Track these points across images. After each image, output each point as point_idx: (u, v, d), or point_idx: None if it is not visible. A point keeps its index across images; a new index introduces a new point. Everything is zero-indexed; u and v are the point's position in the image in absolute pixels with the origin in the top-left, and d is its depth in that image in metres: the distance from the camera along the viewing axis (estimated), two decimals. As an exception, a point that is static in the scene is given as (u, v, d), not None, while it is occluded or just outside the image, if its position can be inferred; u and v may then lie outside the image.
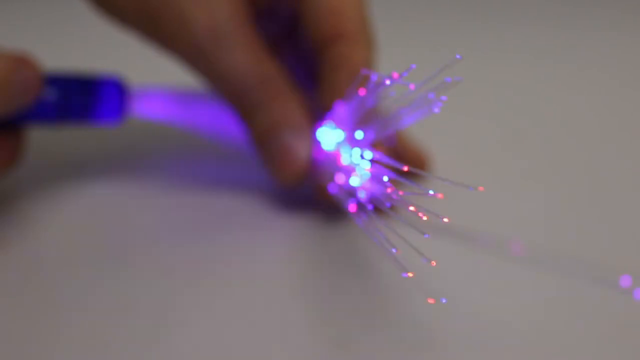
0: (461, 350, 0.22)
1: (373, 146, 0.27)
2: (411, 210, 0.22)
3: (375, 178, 0.25)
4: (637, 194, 0.34)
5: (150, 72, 0.46)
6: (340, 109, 0.28)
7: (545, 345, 0.23)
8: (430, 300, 0.20)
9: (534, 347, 0.23)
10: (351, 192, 0.27)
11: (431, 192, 0.21)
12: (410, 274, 0.21)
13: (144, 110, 0.36)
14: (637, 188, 0.34)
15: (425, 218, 0.21)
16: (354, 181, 0.26)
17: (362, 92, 0.25)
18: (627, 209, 0.32)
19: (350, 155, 0.27)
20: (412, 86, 0.23)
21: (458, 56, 0.22)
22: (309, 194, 0.32)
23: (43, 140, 0.36)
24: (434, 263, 0.21)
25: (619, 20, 0.76)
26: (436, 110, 0.22)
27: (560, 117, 0.45)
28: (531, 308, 0.25)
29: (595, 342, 0.23)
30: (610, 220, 0.31)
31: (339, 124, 0.28)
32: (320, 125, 0.30)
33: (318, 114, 0.30)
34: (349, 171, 0.27)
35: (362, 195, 0.26)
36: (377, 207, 0.25)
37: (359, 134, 0.27)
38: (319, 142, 0.30)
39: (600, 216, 0.31)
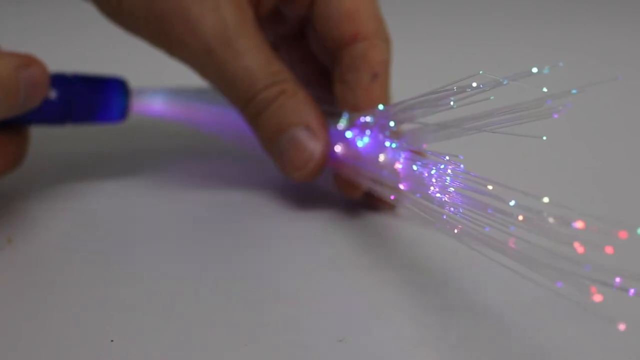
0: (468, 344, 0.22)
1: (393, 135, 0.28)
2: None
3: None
4: None
5: (152, 72, 0.46)
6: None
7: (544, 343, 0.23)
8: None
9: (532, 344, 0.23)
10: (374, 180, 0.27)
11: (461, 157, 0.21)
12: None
13: (146, 109, 0.36)
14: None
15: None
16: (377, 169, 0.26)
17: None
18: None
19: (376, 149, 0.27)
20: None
21: (620, 77, 0.21)
22: (317, 189, 0.32)
23: (43, 140, 0.36)
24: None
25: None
26: (556, 116, 0.21)
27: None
28: (529, 305, 0.25)
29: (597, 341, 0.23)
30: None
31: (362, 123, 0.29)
32: (334, 122, 0.31)
33: (329, 111, 0.31)
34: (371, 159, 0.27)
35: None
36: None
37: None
38: (337, 137, 0.30)
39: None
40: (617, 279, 0.18)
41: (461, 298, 0.25)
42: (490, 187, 0.21)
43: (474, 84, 0.22)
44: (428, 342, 0.23)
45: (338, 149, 0.30)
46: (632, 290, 0.18)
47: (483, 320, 0.24)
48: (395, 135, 0.28)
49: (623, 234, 0.17)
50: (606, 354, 0.22)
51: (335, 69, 0.32)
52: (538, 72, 0.21)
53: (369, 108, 0.29)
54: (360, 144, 0.29)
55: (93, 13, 0.33)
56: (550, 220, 0.19)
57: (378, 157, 0.28)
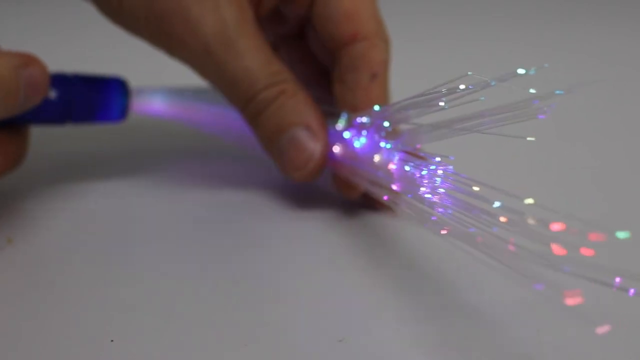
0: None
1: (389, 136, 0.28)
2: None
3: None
4: None
5: (152, 72, 0.46)
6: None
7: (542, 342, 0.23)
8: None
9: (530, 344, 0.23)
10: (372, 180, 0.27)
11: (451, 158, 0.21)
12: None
13: (146, 109, 0.36)
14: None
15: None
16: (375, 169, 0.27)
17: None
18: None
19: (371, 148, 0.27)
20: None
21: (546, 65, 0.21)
22: (317, 189, 0.32)
23: (43, 140, 0.36)
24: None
25: None
26: (541, 116, 0.21)
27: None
28: (529, 305, 0.25)
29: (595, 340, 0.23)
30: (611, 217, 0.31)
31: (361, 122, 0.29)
32: (333, 122, 0.31)
33: (328, 111, 0.31)
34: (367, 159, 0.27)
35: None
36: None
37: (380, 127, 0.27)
38: (335, 137, 0.30)
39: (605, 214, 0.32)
40: (617, 279, 0.18)
41: (461, 298, 0.25)
42: (476, 189, 0.21)
43: (462, 86, 0.22)
44: (428, 342, 0.23)
45: (336, 149, 0.30)
46: (632, 290, 0.18)
47: (483, 320, 0.24)
48: (391, 135, 0.28)
49: (599, 236, 0.17)
50: (606, 354, 0.22)
51: (334, 69, 0.32)
52: (525, 73, 0.21)
53: (368, 108, 0.29)
54: (357, 144, 0.29)
55: (93, 13, 0.33)
56: (531, 221, 0.19)
57: (373, 157, 0.28)
